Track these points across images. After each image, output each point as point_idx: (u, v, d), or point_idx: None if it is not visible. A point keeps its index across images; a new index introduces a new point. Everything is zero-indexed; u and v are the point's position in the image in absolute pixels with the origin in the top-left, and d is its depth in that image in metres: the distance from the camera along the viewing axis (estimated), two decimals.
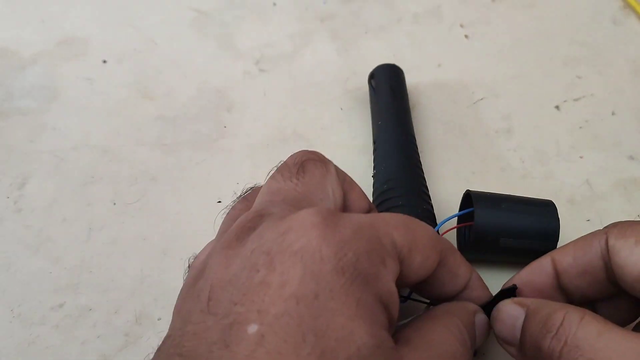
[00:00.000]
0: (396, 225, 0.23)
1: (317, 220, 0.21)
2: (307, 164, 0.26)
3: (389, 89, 0.39)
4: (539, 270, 0.27)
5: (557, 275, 0.26)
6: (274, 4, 0.50)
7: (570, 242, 0.27)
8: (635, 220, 0.25)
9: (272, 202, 0.24)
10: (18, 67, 0.45)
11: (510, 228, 0.30)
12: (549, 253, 0.27)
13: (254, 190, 0.27)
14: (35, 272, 0.34)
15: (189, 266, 0.27)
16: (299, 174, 0.25)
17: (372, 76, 0.41)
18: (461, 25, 0.48)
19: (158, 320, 0.32)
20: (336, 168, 0.27)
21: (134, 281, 0.33)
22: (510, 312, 0.26)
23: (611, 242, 0.24)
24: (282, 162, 0.26)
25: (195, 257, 0.27)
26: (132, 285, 0.33)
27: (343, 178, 0.27)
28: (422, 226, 0.24)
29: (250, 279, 0.19)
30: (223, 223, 0.26)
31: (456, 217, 0.33)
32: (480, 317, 0.26)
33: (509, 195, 0.32)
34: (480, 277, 0.27)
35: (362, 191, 0.28)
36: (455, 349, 0.23)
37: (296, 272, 0.19)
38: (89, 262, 0.34)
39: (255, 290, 0.19)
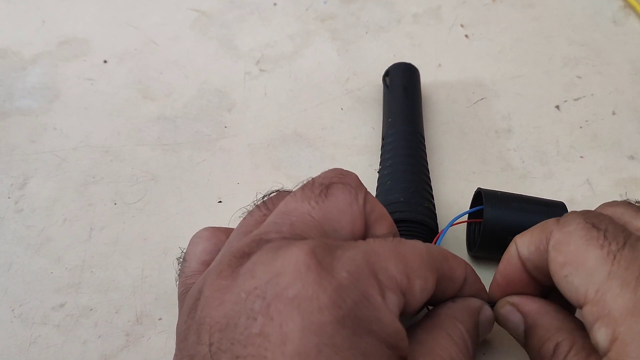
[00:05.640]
0: (389, 257, 0.22)
1: (312, 262, 0.20)
2: (333, 187, 0.24)
3: (401, 87, 0.40)
4: (508, 261, 0.26)
5: (523, 264, 0.26)
6: (275, 4, 0.50)
7: (532, 227, 0.25)
8: (592, 217, 0.23)
9: (278, 225, 0.23)
10: (19, 67, 0.45)
11: (520, 228, 0.30)
12: (515, 238, 0.26)
13: (278, 196, 0.26)
14: (36, 271, 0.34)
15: (179, 266, 0.27)
16: (320, 196, 0.24)
17: (387, 74, 0.41)
18: (461, 26, 0.48)
19: (159, 320, 0.32)
20: (367, 197, 0.25)
21: (135, 281, 0.33)
22: (510, 318, 0.26)
23: (549, 248, 0.23)
24: (310, 179, 0.25)
25: (184, 260, 0.27)
26: (133, 285, 0.33)
27: (372, 208, 0.25)
28: (412, 248, 0.23)
29: (248, 328, 0.19)
30: (235, 230, 0.26)
31: (466, 215, 0.33)
32: (486, 313, 0.26)
33: (521, 195, 0.32)
34: (473, 270, 0.27)
35: (393, 225, 0.26)
36: None
37: (295, 324, 0.19)
38: (90, 262, 0.34)
39: (256, 342, 0.19)
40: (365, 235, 0.25)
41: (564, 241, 0.23)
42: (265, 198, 0.26)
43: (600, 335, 0.20)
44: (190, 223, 0.36)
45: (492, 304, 0.27)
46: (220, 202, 0.37)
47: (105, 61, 0.46)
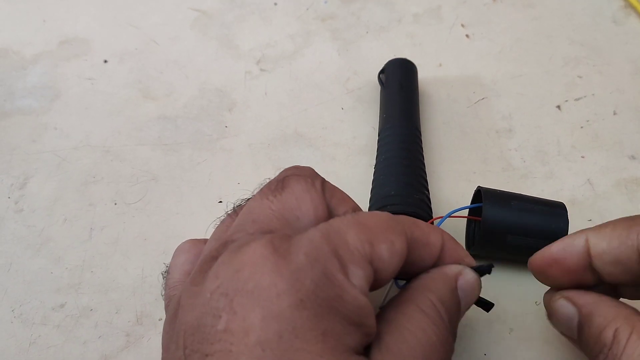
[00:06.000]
0: (347, 229, 0.22)
1: (268, 252, 0.20)
2: (288, 180, 0.25)
3: (396, 83, 0.40)
4: (570, 249, 0.26)
5: (590, 257, 0.25)
6: (275, 4, 0.50)
7: (609, 223, 0.25)
8: None
9: (241, 224, 0.24)
10: (20, 67, 0.45)
11: (519, 225, 0.30)
12: (584, 231, 0.26)
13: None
14: (36, 272, 0.34)
15: (164, 279, 0.28)
16: (277, 190, 0.24)
17: (382, 71, 0.41)
18: (462, 25, 0.48)
19: (159, 320, 0.32)
20: (324, 183, 0.25)
21: (135, 281, 0.33)
22: (564, 311, 0.25)
23: None
24: (267, 179, 0.26)
25: (167, 273, 0.27)
26: (133, 285, 0.33)
27: (332, 193, 0.25)
28: (373, 216, 0.23)
29: (214, 326, 0.20)
30: (209, 238, 0.26)
31: (467, 210, 0.33)
32: (466, 277, 0.25)
33: (521, 194, 0.32)
34: (452, 237, 0.26)
35: (355, 205, 0.26)
36: (431, 333, 0.22)
37: (256, 314, 0.19)
38: (90, 262, 0.34)
39: (222, 338, 0.19)
40: (331, 218, 0.24)
41: None
42: (236, 206, 0.27)
43: None
44: (190, 223, 0.36)
45: (476, 266, 0.26)
46: (220, 202, 0.37)
47: (105, 61, 0.46)
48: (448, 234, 0.26)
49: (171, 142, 0.40)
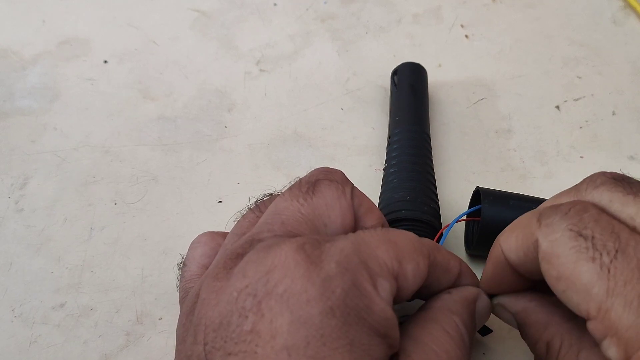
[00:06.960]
0: (378, 244, 0.22)
1: (300, 257, 0.20)
2: (319, 184, 0.25)
3: (409, 86, 0.40)
4: (495, 265, 0.25)
5: (513, 268, 0.24)
6: (275, 5, 0.50)
7: (513, 226, 0.24)
8: (576, 221, 0.21)
9: (269, 224, 0.24)
10: (19, 67, 0.45)
11: None
12: (499, 241, 0.24)
13: (270, 199, 0.27)
14: (36, 271, 0.34)
15: (180, 271, 0.28)
16: (308, 194, 0.24)
17: (395, 72, 0.41)
18: (461, 26, 0.48)
19: (159, 319, 0.32)
20: (354, 191, 0.26)
21: (135, 281, 0.33)
22: (503, 316, 0.26)
23: (540, 259, 0.21)
24: (297, 179, 0.26)
25: (184, 265, 0.27)
26: (133, 284, 0.33)
27: (360, 202, 0.26)
28: (402, 235, 0.23)
29: (240, 325, 0.20)
30: (230, 233, 0.26)
31: (465, 215, 0.33)
32: (483, 301, 0.26)
33: (519, 194, 0.32)
34: (469, 267, 0.26)
35: (381, 217, 0.27)
36: (454, 355, 0.22)
37: (284, 318, 0.19)
38: (90, 262, 0.34)
39: (247, 339, 0.19)
40: (355, 228, 0.25)
41: (553, 253, 0.21)
42: (258, 202, 0.27)
43: (612, 353, 0.19)
44: (190, 223, 0.36)
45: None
46: (220, 202, 0.37)
47: (105, 61, 0.46)
48: (466, 263, 0.26)
49: (171, 143, 0.40)
